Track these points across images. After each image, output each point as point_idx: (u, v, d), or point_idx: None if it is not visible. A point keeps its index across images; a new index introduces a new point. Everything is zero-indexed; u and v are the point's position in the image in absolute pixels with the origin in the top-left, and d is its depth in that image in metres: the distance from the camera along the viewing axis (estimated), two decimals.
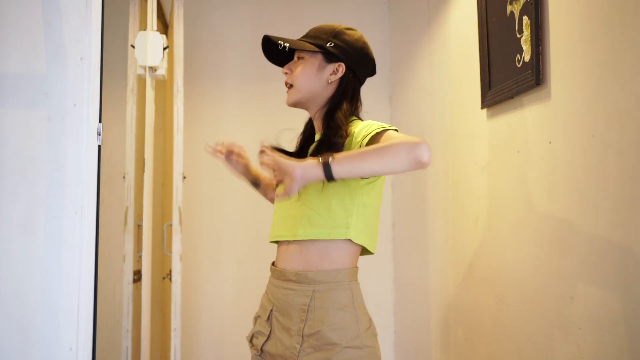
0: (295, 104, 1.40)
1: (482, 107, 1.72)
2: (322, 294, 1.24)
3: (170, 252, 2.15)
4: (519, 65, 1.48)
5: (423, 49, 2.35)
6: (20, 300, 1.14)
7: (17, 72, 1.18)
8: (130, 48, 2.14)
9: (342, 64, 1.35)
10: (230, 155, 1.50)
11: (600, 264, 1.17)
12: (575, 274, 1.25)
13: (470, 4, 1.85)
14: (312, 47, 1.35)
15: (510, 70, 1.53)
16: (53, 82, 1.18)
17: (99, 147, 1.24)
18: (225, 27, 2.86)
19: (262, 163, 1.17)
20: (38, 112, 1.17)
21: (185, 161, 2.54)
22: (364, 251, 1.35)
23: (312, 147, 1.35)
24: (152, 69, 2.07)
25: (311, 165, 1.13)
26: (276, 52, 1.43)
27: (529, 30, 1.41)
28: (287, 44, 1.36)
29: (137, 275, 2.17)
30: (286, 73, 1.40)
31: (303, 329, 1.24)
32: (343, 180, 1.25)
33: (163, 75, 2.11)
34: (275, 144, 1.39)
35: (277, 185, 1.20)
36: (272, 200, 1.57)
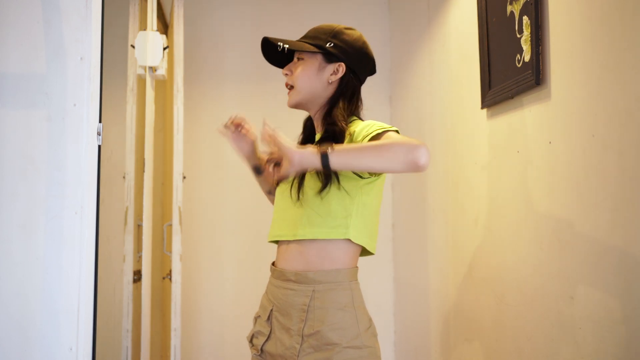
0: (297, 105, 1.40)
1: (482, 107, 1.72)
2: (322, 294, 1.24)
3: (170, 252, 2.15)
4: (519, 65, 1.48)
5: (423, 49, 2.35)
6: (20, 300, 1.14)
7: (17, 72, 1.18)
8: (130, 48, 2.14)
9: (342, 64, 1.35)
10: (240, 130, 1.44)
11: (600, 264, 1.17)
12: (575, 274, 1.25)
13: (470, 4, 1.85)
14: (312, 48, 1.35)
15: (510, 70, 1.53)
16: (53, 82, 1.18)
17: (99, 147, 1.24)
18: (225, 27, 2.86)
19: (264, 136, 1.18)
20: (38, 112, 1.17)
21: (185, 161, 2.54)
22: (365, 252, 1.35)
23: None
24: (152, 69, 2.07)
25: (310, 154, 1.14)
26: (276, 53, 1.43)
27: (529, 30, 1.41)
28: (287, 45, 1.36)
29: (137, 275, 2.17)
30: (286, 74, 1.40)
31: (303, 329, 1.24)
32: (343, 180, 1.25)
33: (163, 75, 2.12)
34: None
35: (269, 165, 1.20)
36: (268, 193, 1.55)
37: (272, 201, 1.56)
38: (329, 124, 1.32)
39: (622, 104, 1.11)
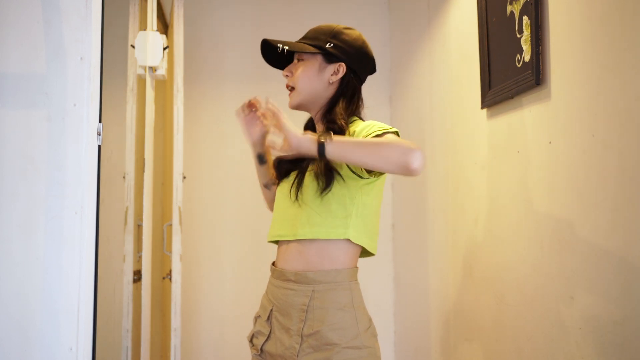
0: (298, 107, 1.40)
1: (482, 107, 1.72)
2: (322, 294, 1.24)
3: (170, 252, 2.15)
4: (519, 65, 1.48)
5: (423, 49, 2.35)
6: (20, 300, 1.14)
7: (17, 72, 1.18)
8: (130, 48, 2.14)
9: (343, 64, 1.35)
10: (255, 112, 1.41)
11: (600, 264, 1.17)
12: (575, 274, 1.25)
13: (470, 4, 1.85)
14: (312, 49, 1.35)
15: (510, 70, 1.53)
16: (53, 82, 1.18)
17: (99, 147, 1.24)
18: (225, 27, 2.86)
19: (266, 112, 1.21)
20: (38, 112, 1.17)
21: (185, 161, 2.54)
22: (365, 253, 1.35)
23: None
24: (152, 69, 2.07)
25: (308, 140, 1.15)
26: (276, 54, 1.42)
27: (529, 30, 1.41)
28: (287, 47, 1.36)
29: (137, 275, 2.17)
30: (287, 76, 1.40)
31: (302, 329, 1.24)
32: (343, 180, 1.26)
33: (163, 75, 2.11)
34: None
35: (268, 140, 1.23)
36: (265, 186, 1.54)
37: (266, 196, 1.56)
38: (329, 121, 1.32)
39: (622, 104, 1.11)
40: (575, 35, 1.26)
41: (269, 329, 1.31)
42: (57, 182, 1.16)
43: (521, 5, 1.47)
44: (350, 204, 1.26)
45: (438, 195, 2.16)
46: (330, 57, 1.36)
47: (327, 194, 1.25)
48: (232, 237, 2.78)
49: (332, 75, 1.36)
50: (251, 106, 1.41)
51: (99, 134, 1.22)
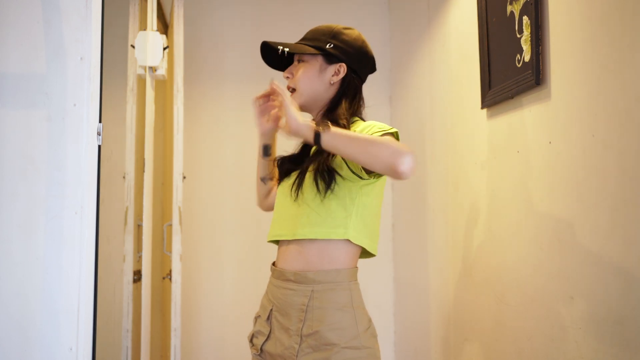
0: (299, 108, 1.40)
1: (482, 107, 1.72)
2: (321, 294, 1.24)
3: (170, 252, 2.15)
4: (519, 65, 1.48)
5: (423, 49, 2.35)
6: (20, 300, 1.14)
7: (17, 72, 1.18)
8: (130, 48, 2.14)
9: (343, 65, 1.35)
10: (272, 101, 1.40)
11: (600, 264, 1.17)
12: (575, 274, 1.25)
13: (470, 4, 1.85)
14: (312, 50, 1.35)
15: (510, 70, 1.53)
16: (53, 82, 1.18)
17: (99, 147, 1.24)
18: (225, 27, 2.86)
19: (272, 92, 1.26)
20: (38, 112, 1.17)
21: (185, 161, 2.54)
22: (366, 254, 1.35)
23: (314, 148, 1.35)
24: (152, 69, 2.07)
25: (306, 127, 1.18)
26: (276, 56, 1.42)
27: (529, 30, 1.41)
28: (287, 49, 1.36)
29: (137, 275, 2.17)
30: (287, 77, 1.40)
31: (302, 329, 1.24)
32: (343, 180, 1.26)
33: (163, 75, 2.12)
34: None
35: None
36: (262, 179, 1.54)
37: (260, 191, 1.56)
38: (331, 122, 1.32)
39: (622, 104, 1.11)
40: (575, 35, 1.26)
41: (268, 329, 1.31)
42: (57, 182, 1.16)
43: (521, 5, 1.47)
44: (350, 205, 1.26)
45: (438, 195, 2.16)
46: (330, 58, 1.36)
47: (328, 194, 1.25)
48: (232, 237, 2.78)
49: (333, 76, 1.36)
50: (267, 96, 1.41)
51: (99, 134, 1.22)
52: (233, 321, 2.72)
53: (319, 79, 1.36)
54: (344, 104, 1.35)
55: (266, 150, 1.49)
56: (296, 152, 1.43)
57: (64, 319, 1.14)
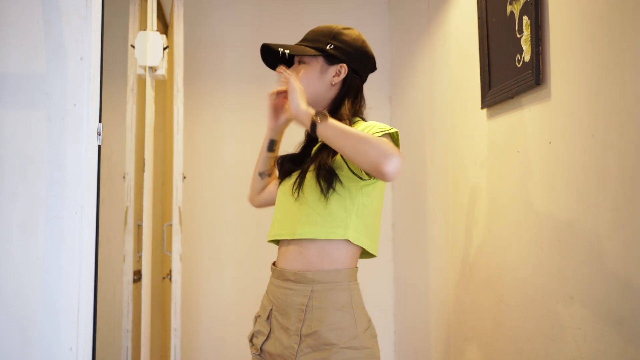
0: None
1: (482, 107, 1.72)
2: (321, 294, 1.24)
3: (170, 252, 2.15)
4: (519, 65, 1.48)
5: (423, 49, 2.35)
6: (20, 300, 1.14)
7: (17, 72, 1.18)
8: (130, 48, 2.14)
9: (344, 65, 1.36)
10: (286, 98, 1.42)
11: (600, 264, 1.17)
12: (575, 274, 1.25)
13: (470, 4, 1.85)
14: (313, 52, 1.35)
15: (510, 70, 1.53)
16: (53, 82, 1.18)
17: (99, 147, 1.24)
18: (225, 27, 2.86)
19: (279, 70, 1.32)
20: (38, 112, 1.17)
21: (185, 161, 2.54)
22: (366, 254, 1.35)
23: (315, 148, 1.35)
24: (152, 69, 2.07)
25: (305, 114, 1.23)
26: (276, 58, 1.42)
27: (529, 30, 1.41)
28: (288, 51, 1.36)
29: (137, 275, 2.17)
30: (284, 83, 1.40)
31: (301, 328, 1.24)
32: (343, 180, 1.26)
33: (163, 75, 2.12)
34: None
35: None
36: (260, 174, 1.56)
37: (255, 185, 1.56)
38: None
39: (622, 104, 1.11)
40: (575, 35, 1.26)
41: (268, 329, 1.31)
42: (57, 182, 1.16)
43: (521, 5, 1.47)
44: (350, 205, 1.26)
45: (438, 195, 2.16)
46: (331, 59, 1.36)
47: (330, 193, 1.25)
48: (232, 237, 2.78)
49: (334, 76, 1.36)
50: (283, 92, 1.44)
51: (99, 134, 1.22)
52: (233, 321, 2.72)
53: (320, 80, 1.36)
54: (347, 104, 1.35)
55: (271, 145, 1.52)
56: (297, 152, 1.43)
57: (64, 319, 1.14)
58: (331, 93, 1.37)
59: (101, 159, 1.27)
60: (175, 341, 2.05)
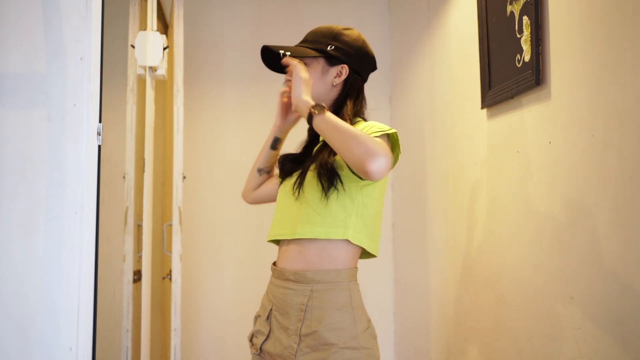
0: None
1: (482, 107, 1.72)
2: (320, 293, 1.24)
3: (170, 252, 2.15)
4: (519, 65, 1.48)
5: (423, 49, 2.35)
6: (20, 300, 1.14)
7: (17, 72, 1.18)
8: (130, 48, 2.14)
9: (345, 66, 1.36)
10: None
11: (600, 264, 1.17)
12: (575, 274, 1.25)
13: (470, 4, 1.85)
14: (314, 53, 1.35)
15: (510, 70, 1.53)
16: (53, 82, 1.18)
17: (99, 147, 1.24)
18: (225, 27, 2.86)
19: (286, 61, 1.33)
20: (38, 112, 1.17)
21: (185, 161, 2.54)
22: (367, 254, 1.35)
23: (316, 148, 1.35)
24: (152, 69, 2.07)
25: (304, 105, 1.25)
26: (276, 59, 1.43)
27: (529, 30, 1.41)
28: (289, 53, 1.36)
29: (137, 275, 2.17)
30: (289, 80, 1.40)
31: (300, 328, 1.24)
32: (343, 180, 1.26)
33: (163, 75, 2.12)
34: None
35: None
36: (258, 170, 1.57)
37: (251, 180, 1.57)
38: None
39: (622, 104, 1.11)
40: (575, 35, 1.26)
41: (268, 329, 1.31)
42: (57, 182, 1.16)
43: (521, 5, 1.47)
44: (350, 205, 1.26)
45: (438, 195, 2.16)
46: (332, 60, 1.36)
47: (331, 192, 1.25)
48: (232, 237, 2.78)
49: (335, 77, 1.36)
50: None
51: (99, 134, 1.22)
52: (233, 321, 2.72)
53: (321, 81, 1.36)
54: (348, 105, 1.35)
55: (275, 143, 1.54)
56: (298, 152, 1.43)
57: (64, 319, 1.14)
58: (333, 94, 1.37)
59: (101, 159, 1.27)
60: (175, 341, 2.05)
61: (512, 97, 1.52)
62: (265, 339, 1.31)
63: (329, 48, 1.35)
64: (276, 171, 1.52)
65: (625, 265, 1.10)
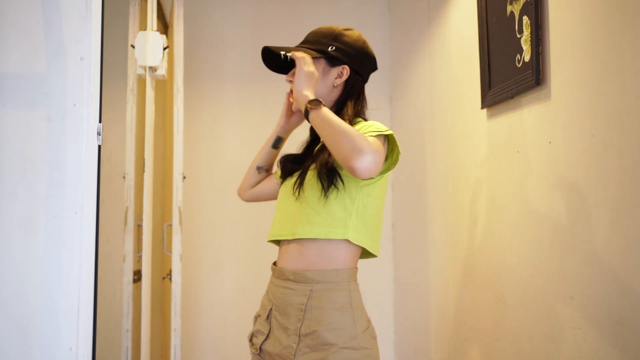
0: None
1: (482, 107, 1.72)
2: (320, 293, 1.24)
3: (170, 252, 2.15)
4: (519, 65, 1.48)
5: (423, 49, 2.35)
6: (20, 300, 1.14)
7: (17, 72, 1.18)
8: (130, 48, 2.14)
9: (346, 66, 1.36)
10: None
11: (600, 264, 1.17)
12: (575, 274, 1.25)
13: (470, 4, 1.85)
14: (315, 54, 1.35)
15: (510, 70, 1.53)
16: (53, 82, 1.18)
17: (99, 147, 1.24)
18: (225, 27, 2.86)
19: (292, 57, 1.32)
20: (38, 112, 1.17)
21: (185, 161, 2.54)
22: (367, 254, 1.35)
23: (317, 148, 1.35)
24: (152, 69, 2.07)
25: (303, 99, 1.26)
26: (277, 60, 1.43)
27: (529, 30, 1.41)
28: (289, 54, 1.36)
29: (137, 275, 2.17)
30: (291, 81, 1.40)
31: (300, 328, 1.24)
32: (342, 180, 1.26)
33: (163, 75, 2.12)
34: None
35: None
36: (257, 168, 1.57)
37: (249, 178, 1.57)
38: None
39: (622, 104, 1.11)
40: (575, 35, 1.26)
41: (268, 328, 1.31)
42: (57, 182, 1.16)
43: (521, 5, 1.47)
44: (350, 205, 1.26)
45: (438, 195, 2.16)
46: (333, 61, 1.36)
47: (332, 191, 1.25)
48: (232, 237, 2.78)
49: (336, 78, 1.36)
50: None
51: (99, 134, 1.22)
52: (233, 321, 2.72)
53: (322, 82, 1.36)
54: (349, 106, 1.35)
55: (277, 142, 1.54)
56: (299, 152, 1.43)
57: (64, 319, 1.14)
58: (334, 95, 1.37)
59: (101, 159, 1.27)
60: (175, 341, 2.05)
61: (512, 97, 1.52)
62: (265, 339, 1.31)
63: (329, 49, 1.35)
64: (276, 171, 1.53)
65: (625, 265, 1.10)
